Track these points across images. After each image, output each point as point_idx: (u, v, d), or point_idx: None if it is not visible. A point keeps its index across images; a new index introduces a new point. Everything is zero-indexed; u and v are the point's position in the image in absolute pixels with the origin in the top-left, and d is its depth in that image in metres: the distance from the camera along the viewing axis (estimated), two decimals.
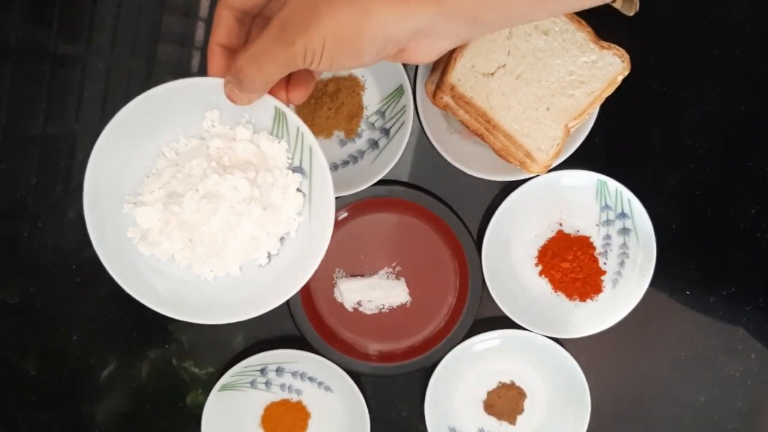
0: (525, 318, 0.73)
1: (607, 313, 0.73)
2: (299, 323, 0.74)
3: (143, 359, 0.77)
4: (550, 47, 0.62)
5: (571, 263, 0.73)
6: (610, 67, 0.63)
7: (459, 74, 0.63)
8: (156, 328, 0.76)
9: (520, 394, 0.77)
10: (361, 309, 0.76)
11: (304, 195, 0.55)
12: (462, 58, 0.63)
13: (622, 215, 0.72)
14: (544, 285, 0.75)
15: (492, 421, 0.78)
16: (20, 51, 0.73)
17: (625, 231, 0.73)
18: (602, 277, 0.74)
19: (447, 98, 0.65)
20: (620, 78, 0.63)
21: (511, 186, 0.71)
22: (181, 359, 0.77)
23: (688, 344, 0.76)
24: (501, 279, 0.73)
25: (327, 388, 0.77)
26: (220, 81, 0.48)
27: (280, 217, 0.54)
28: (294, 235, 0.56)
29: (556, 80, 0.63)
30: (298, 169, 0.55)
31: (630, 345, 0.76)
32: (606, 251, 0.74)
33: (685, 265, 0.75)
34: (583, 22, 0.62)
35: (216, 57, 0.47)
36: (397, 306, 0.76)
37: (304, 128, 0.51)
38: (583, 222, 0.74)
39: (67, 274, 0.75)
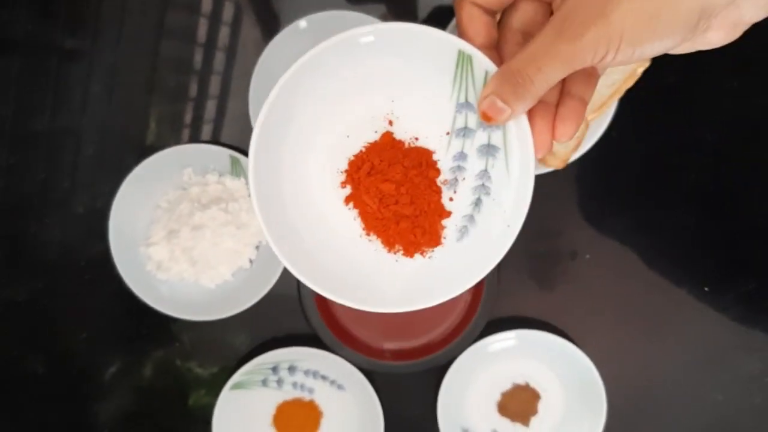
0: (310, 270, 0.42)
1: (437, 282, 0.43)
2: (312, 321, 0.73)
3: (149, 358, 0.77)
4: None
5: (398, 187, 0.43)
6: None
7: None
8: (161, 326, 0.75)
9: (534, 396, 0.77)
10: None
11: None
12: None
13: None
14: (350, 221, 0.45)
15: (505, 422, 0.77)
16: (27, 45, 0.73)
17: (490, 150, 0.42)
18: (445, 221, 0.44)
19: None
20: (641, 70, 0.62)
21: None
22: (185, 359, 0.77)
23: (705, 342, 0.75)
24: (280, 206, 0.43)
25: (339, 387, 0.76)
26: (194, 147, 0.71)
27: (251, 231, 0.72)
28: (265, 242, 0.73)
29: None
30: None
31: (646, 343, 0.75)
32: (456, 179, 0.44)
33: (702, 261, 0.74)
34: None
35: (475, 20, 0.40)
36: None
37: None
38: (427, 126, 0.44)
39: (74, 271, 0.75)
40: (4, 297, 0.75)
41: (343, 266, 0.44)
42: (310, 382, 0.76)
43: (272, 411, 0.76)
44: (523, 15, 0.40)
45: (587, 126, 0.64)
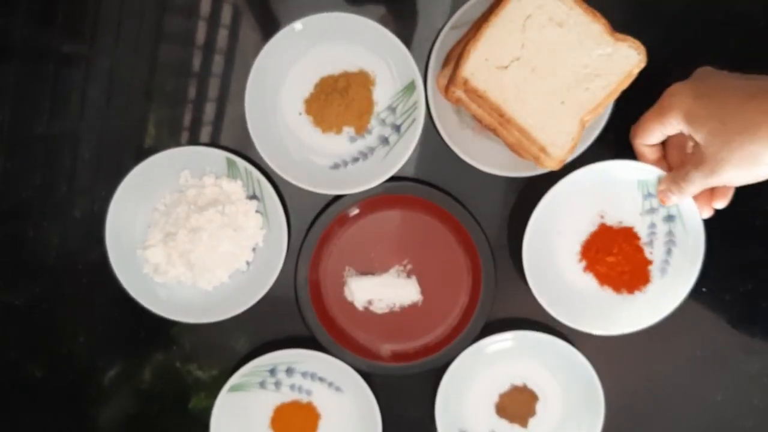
0: (571, 316, 0.71)
1: (657, 304, 0.71)
2: (309, 323, 0.73)
3: (148, 362, 0.77)
4: (565, 39, 0.61)
5: (616, 256, 0.72)
6: (626, 59, 0.62)
7: (472, 67, 0.62)
8: (160, 329, 0.75)
9: (533, 397, 0.76)
10: (371, 308, 0.75)
11: (262, 214, 0.73)
12: (475, 50, 0.62)
13: None
14: (589, 281, 0.73)
15: (503, 423, 0.77)
16: (24, 50, 0.73)
17: (670, 218, 0.70)
18: (649, 267, 0.72)
19: (459, 93, 0.64)
20: (636, 71, 0.62)
21: (528, 183, 0.70)
22: (185, 362, 0.77)
23: (704, 342, 0.75)
24: (544, 278, 0.71)
25: (337, 389, 0.76)
26: (190, 149, 0.71)
27: (248, 233, 0.72)
28: (262, 244, 0.74)
29: (572, 73, 0.62)
30: (253, 197, 0.73)
31: (645, 344, 0.75)
32: (651, 240, 0.72)
33: None
34: (598, 14, 0.61)
35: (647, 155, 0.66)
36: (408, 305, 0.75)
37: (251, 168, 0.72)
38: (626, 213, 0.72)
39: (73, 275, 0.75)
40: (2, 301, 0.75)
41: (588, 308, 0.72)
42: (308, 384, 0.76)
43: (270, 413, 0.76)
44: (674, 138, 0.65)
45: (583, 127, 0.63)
